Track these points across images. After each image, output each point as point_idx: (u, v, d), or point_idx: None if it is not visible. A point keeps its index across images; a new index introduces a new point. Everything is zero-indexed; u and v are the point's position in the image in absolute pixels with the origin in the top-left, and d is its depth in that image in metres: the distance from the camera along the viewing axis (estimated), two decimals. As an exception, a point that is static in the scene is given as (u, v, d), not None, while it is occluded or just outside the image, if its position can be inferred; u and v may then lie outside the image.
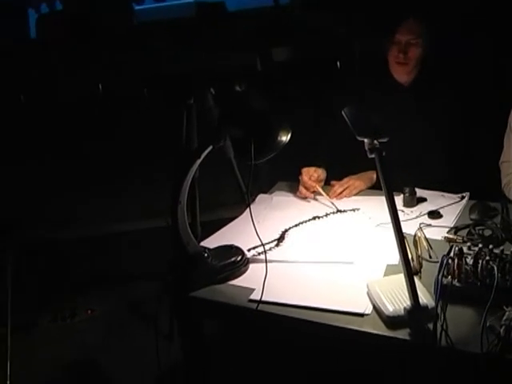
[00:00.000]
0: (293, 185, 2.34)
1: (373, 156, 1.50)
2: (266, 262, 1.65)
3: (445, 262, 1.55)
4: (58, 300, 3.14)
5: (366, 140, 1.52)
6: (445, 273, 1.54)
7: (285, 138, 1.73)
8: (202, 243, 1.94)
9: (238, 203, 2.57)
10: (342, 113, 1.62)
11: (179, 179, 1.63)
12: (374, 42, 2.51)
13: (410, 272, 1.43)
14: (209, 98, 1.92)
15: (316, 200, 2.24)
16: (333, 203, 2.16)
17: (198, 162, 1.64)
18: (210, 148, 1.64)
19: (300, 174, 2.28)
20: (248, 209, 2.11)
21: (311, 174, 2.26)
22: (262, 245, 1.72)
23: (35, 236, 3.38)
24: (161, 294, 1.73)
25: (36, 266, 3.30)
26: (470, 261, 1.57)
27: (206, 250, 1.76)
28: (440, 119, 2.30)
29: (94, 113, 3.50)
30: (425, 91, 2.33)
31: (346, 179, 2.29)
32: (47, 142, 3.47)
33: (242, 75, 1.85)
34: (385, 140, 1.53)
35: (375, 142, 1.52)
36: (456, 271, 1.54)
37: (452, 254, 1.59)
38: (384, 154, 1.51)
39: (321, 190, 2.23)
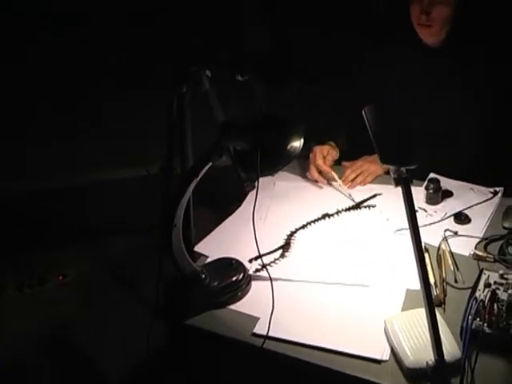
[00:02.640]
0: (296, 164, 2.31)
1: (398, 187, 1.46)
2: (273, 293, 1.64)
3: (472, 304, 1.56)
4: (23, 264, 3.06)
5: (391, 167, 1.48)
6: (473, 314, 1.54)
7: (297, 144, 1.68)
8: (195, 248, 1.95)
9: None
10: (363, 113, 1.55)
11: (174, 201, 1.59)
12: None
13: (435, 321, 1.41)
14: (204, 82, 1.84)
15: (322, 188, 2.22)
16: (350, 195, 2.13)
17: (196, 180, 1.61)
18: (210, 164, 1.60)
19: (311, 151, 2.23)
20: (245, 201, 2.12)
21: (325, 155, 2.21)
22: (264, 266, 1.74)
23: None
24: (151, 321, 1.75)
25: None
26: (503, 295, 1.56)
27: (204, 270, 1.76)
28: (476, 88, 2.18)
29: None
30: (458, 53, 2.19)
31: (359, 162, 2.24)
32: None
33: (245, 57, 1.75)
34: (414, 166, 1.48)
35: (402, 169, 1.47)
36: (486, 313, 1.53)
37: (481, 289, 1.61)
38: (412, 182, 1.47)
39: (336, 177, 2.18)
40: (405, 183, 1.44)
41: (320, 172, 2.21)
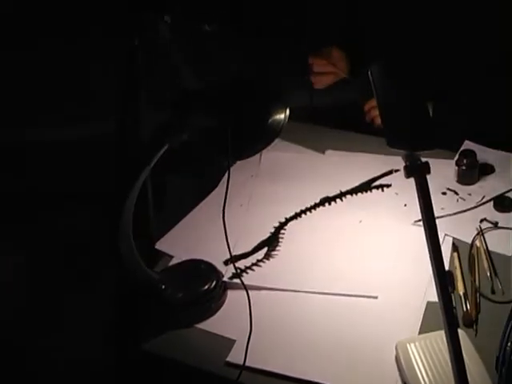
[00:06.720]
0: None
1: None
2: (251, 309, 1.57)
3: (510, 328, 1.49)
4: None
5: (402, 151, 1.38)
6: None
7: (281, 116, 1.59)
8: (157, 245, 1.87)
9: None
10: (368, 74, 1.45)
11: (121, 199, 1.51)
12: None
13: (458, 348, 1.34)
14: (163, 29, 1.74)
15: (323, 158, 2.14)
16: None
17: (148, 169, 1.52)
18: (166, 147, 1.51)
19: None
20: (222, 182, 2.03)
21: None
22: (238, 274, 1.66)
23: None
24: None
25: None
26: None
27: (164, 278, 1.69)
28: None
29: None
30: None
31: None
32: None
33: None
34: (433, 149, 1.39)
35: (416, 153, 1.37)
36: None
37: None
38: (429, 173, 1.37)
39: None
40: (419, 174, 1.34)
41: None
